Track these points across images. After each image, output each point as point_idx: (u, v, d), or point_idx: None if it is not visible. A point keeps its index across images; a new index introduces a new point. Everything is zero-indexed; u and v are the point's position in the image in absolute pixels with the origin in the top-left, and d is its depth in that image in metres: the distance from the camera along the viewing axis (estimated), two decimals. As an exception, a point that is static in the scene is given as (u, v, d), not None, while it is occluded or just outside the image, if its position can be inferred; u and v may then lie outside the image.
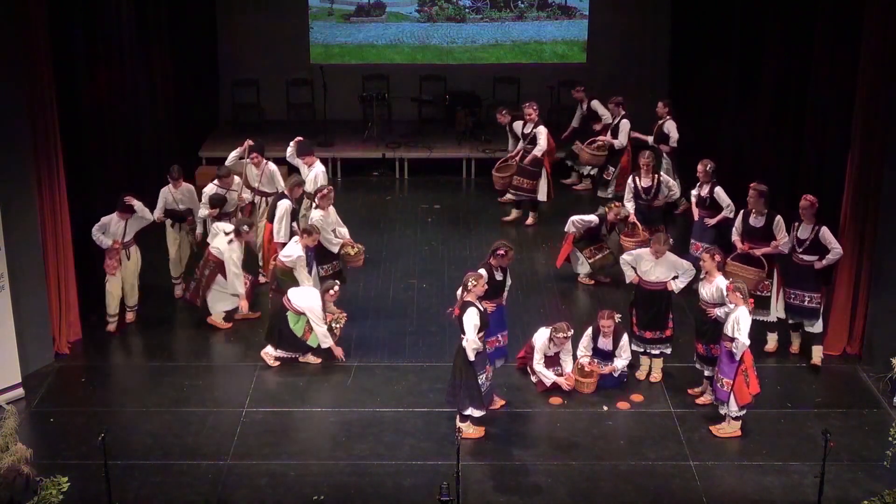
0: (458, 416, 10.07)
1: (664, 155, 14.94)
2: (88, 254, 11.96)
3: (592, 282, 13.19)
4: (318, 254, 11.96)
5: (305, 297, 11.18)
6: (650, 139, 14.99)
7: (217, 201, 12.46)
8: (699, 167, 12.52)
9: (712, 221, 12.38)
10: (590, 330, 10.91)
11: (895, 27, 10.48)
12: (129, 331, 12.03)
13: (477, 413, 10.02)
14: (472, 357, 9.78)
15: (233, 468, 9.72)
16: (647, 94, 16.83)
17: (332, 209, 12.29)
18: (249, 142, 12.93)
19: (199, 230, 12.70)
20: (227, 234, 11.85)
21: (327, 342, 11.23)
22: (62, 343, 11.52)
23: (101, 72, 12.90)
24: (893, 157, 10.67)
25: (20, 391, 10.68)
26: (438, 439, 10.05)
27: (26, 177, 10.74)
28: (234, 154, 13.02)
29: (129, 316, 12.15)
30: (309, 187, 12.80)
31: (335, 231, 12.30)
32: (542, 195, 14.79)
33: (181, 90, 15.95)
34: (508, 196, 15.08)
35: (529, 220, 15.06)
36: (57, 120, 11.13)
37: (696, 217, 12.65)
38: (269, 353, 11.37)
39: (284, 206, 12.10)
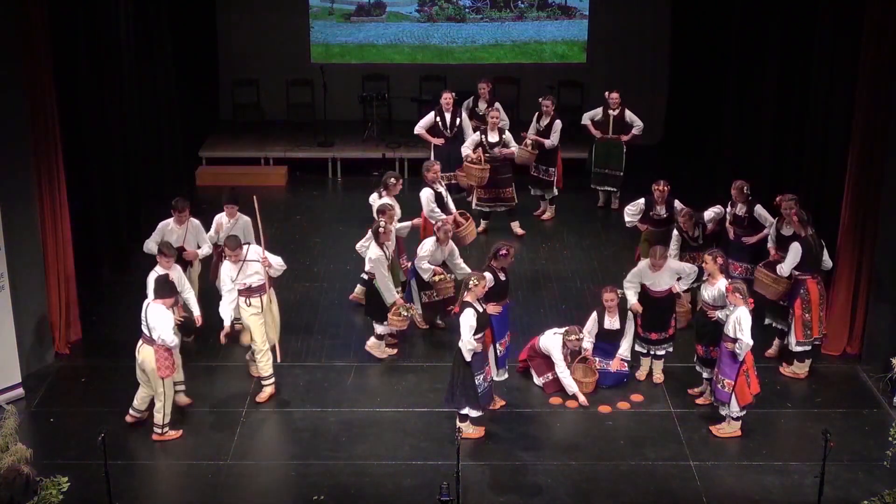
0: (458, 416, 10.07)
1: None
2: (88, 254, 11.96)
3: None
4: (420, 279, 11.66)
5: (368, 256, 11.25)
6: (547, 142, 14.60)
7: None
8: (733, 190, 11.80)
9: (752, 240, 11.80)
10: (594, 314, 10.89)
11: (895, 27, 10.49)
12: (129, 331, 11.91)
13: (474, 413, 10.02)
14: (468, 357, 9.78)
15: (233, 468, 9.73)
16: (647, 94, 16.82)
17: (451, 244, 11.64)
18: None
19: (196, 313, 10.82)
20: (377, 192, 12.11)
21: (391, 297, 11.17)
22: (62, 343, 11.52)
23: (101, 72, 12.90)
24: (894, 157, 10.66)
25: (20, 391, 10.68)
26: (438, 439, 10.05)
27: (26, 177, 10.74)
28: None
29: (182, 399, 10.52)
30: (221, 239, 11.36)
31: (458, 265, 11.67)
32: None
33: (181, 90, 15.95)
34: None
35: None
36: (57, 120, 11.13)
37: (731, 236, 12.00)
38: (380, 346, 11.51)
39: (426, 193, 12.41)
